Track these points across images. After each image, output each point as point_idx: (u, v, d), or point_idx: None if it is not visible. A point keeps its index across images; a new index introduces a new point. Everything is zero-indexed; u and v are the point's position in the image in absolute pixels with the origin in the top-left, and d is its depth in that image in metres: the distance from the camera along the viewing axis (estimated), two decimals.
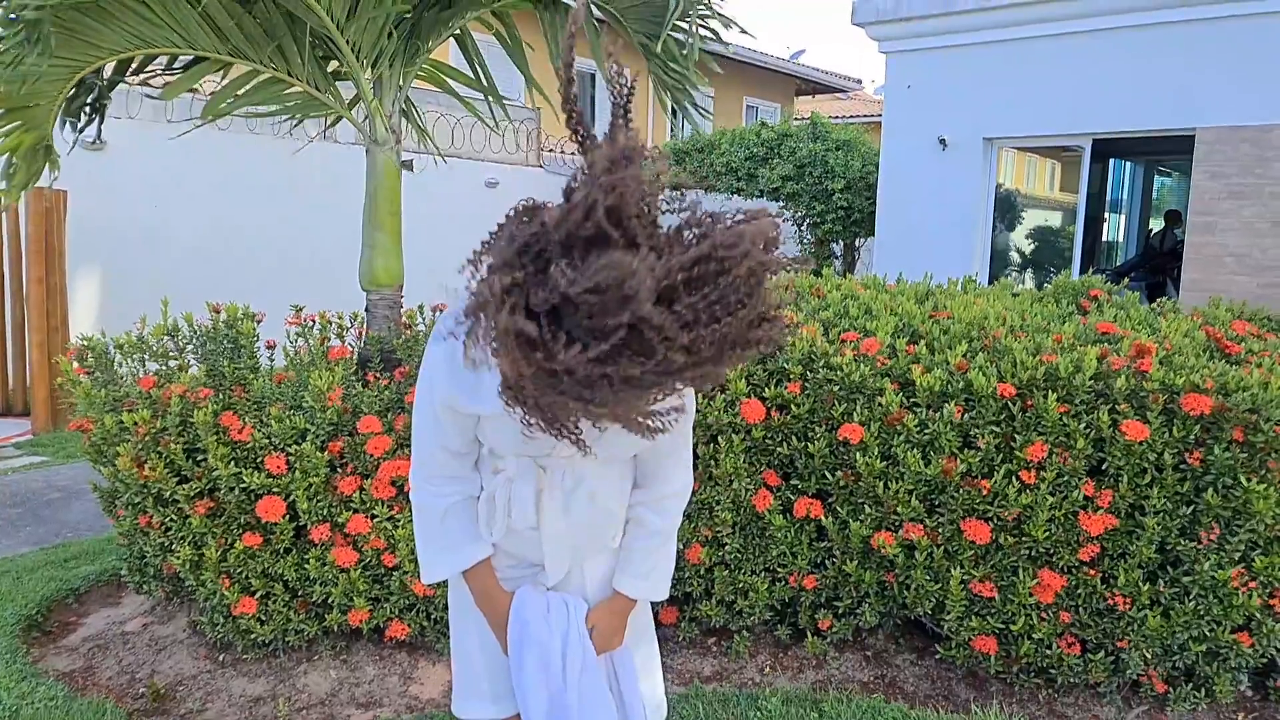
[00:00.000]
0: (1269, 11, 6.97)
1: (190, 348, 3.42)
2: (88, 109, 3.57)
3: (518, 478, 1.61)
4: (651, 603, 1.87)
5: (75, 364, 3.38)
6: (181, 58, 3.49)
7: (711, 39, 3.57)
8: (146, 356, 3.40)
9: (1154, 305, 4.05)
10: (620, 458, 1.67)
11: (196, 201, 8.21)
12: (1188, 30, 7.34)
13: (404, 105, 3.80)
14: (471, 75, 4.04)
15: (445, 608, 3.06)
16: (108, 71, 3.41)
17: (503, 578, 1.71)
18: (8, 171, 3.36)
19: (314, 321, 3.58)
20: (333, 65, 3.79)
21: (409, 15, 3.53)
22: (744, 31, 3.64)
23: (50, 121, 3.34)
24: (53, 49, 2.61)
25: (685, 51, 3.59)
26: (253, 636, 3.09)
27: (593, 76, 15.33)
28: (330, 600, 3.03)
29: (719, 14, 3.52)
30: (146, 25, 3.06)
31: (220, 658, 3.19)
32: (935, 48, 8.71)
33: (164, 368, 3.39)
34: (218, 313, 3.45)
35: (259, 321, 3.52)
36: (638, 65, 3.66)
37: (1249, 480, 2.62)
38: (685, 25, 3.50)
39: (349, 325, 3.69)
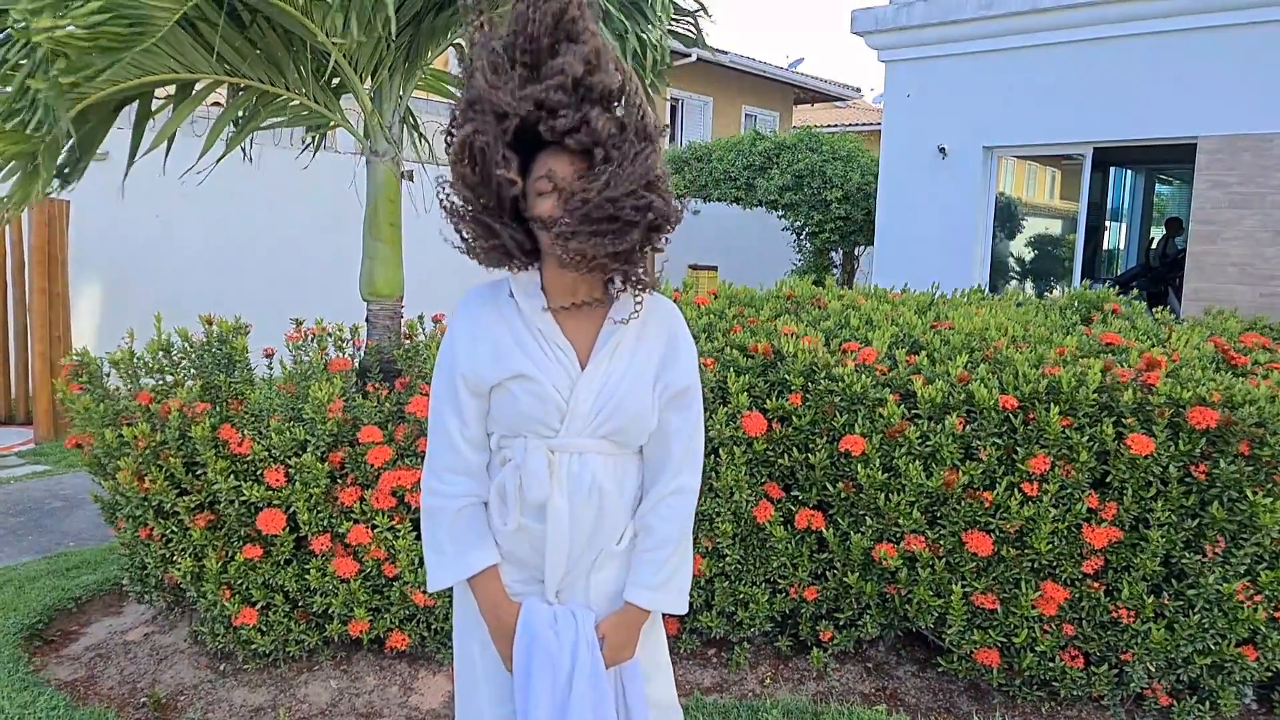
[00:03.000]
0: (1270, 20, 6.98)
1: (186, 363, 3.42)
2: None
3: (529, 457, 1.62)
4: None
5: (70, 380, 3.38)
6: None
7: (689, 40, 3.62)
8: (141, 372, 3.40)
9: (1156, 316, 4.05)
10: (629, 444, 1.67)
11: (198, 211, 8.22)
12: (1189, 39, 7.35)
13: (404, 115, 3.81)
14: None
15: (445, 617, 3.06)
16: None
17: (509, 593, 1.71)
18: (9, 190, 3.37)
19: (313, 335, 3.58)
20: (335, 81, 3.80)
21: (407, 27, 3.54)
22: (705, 46, 3.68)
23: (44, 150, 3.35)
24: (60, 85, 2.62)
25: (659, 65, 3.64)
26: (253, 647, 3.08)
27: None
28: (331, 611, 3.02)
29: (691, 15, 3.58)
30: (145, 54, 3.06)
31: (221, 667, 3.18)
32: (935, 56, 8.72)
33: (160, 383, 3.39)
34: (210, 324, 3.45)
35: (247, 332, 3.51)
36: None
37: (1255, 494, 2.61)
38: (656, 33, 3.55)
39: (348, 337, 3.69)
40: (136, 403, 3.17)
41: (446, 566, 1.70)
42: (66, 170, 3.54)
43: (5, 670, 3.12)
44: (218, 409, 3.11)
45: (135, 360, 3.41)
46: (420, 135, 4.31)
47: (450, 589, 1.75)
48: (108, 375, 3.43)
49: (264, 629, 3.06)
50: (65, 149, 3.50)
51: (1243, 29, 7.10)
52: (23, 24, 2.41)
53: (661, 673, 1.85)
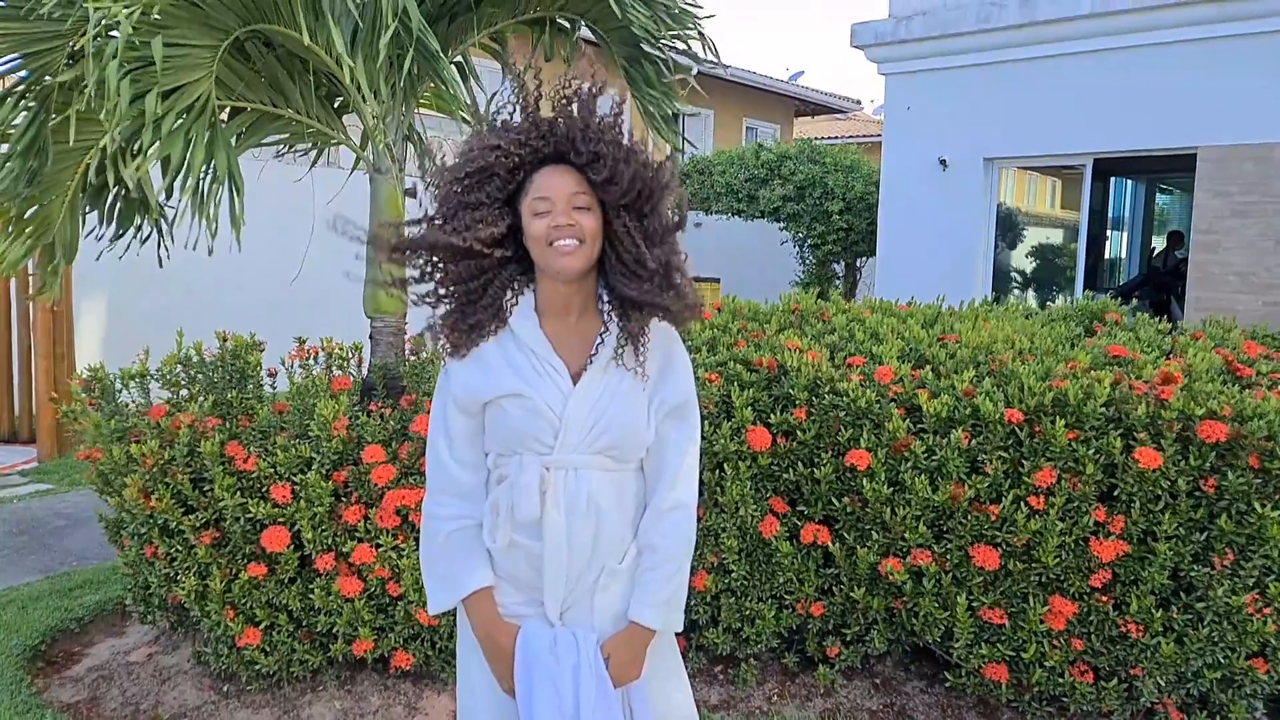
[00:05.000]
0: (1268, 30, 7.00)
1: (201, 378, 3.42)
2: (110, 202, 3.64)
3: (523, 473, 1.62)
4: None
5: (83, 395, 3.38)
6: None
7: (687, 58, 3.63)
8: (157, 385, 3.40)
9: (1157, 327, 4.04)
10: (626, 459, 1.67)
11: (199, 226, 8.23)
12: (1188, 49, 7.37)
13: (407, 132, 3.82)
14: (471, 101, 4.08)
15: (449, 636, 3.04)
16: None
17: (508, 615, 1.70)
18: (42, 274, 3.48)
19: (317, 354, 3.58)
20: (337, 101, 3.82)
21: (410, 45, 3.56)
22: (716, 56, 3.69)
23: (59, 215, 3.40)
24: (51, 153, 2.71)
25: (665, 79, 3.66)
26: (257, 667, 3.07)
27: None
28: (335, 630, 3.01)
29: (697, 29, 3.58)
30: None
31: (224, 689, 3.17)
32: (934, 69, 8.74)
33: (175, 397, 3.38)
34: (225, 341, 3.45)
35: (262, 349, 3.52)
36: (622, 86, 3.73)
37: (1263, 506, 2.60)
38: (657, 52, 3.56)
39: (350, 355, 3.68)
40: (146, 419, 3.17)
41: (440, 590, 1.71)
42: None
43: (8, 692, 3.11)
44: (227, 425, 3.10)
45: (152, 374, 3.41)
46: (426, 152, 4.32)
47: (454, 609, 1.75)
48: (120, 391, 3.43)
49: (268, 649, 3.05)
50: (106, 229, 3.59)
51: (1241, 39, 7.12)
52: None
53: (679, 690, 1.84)
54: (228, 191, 3.06)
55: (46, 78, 3.04)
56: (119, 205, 3.66)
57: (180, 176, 2.84)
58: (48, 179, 3.18)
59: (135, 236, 3.78)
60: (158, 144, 2.76)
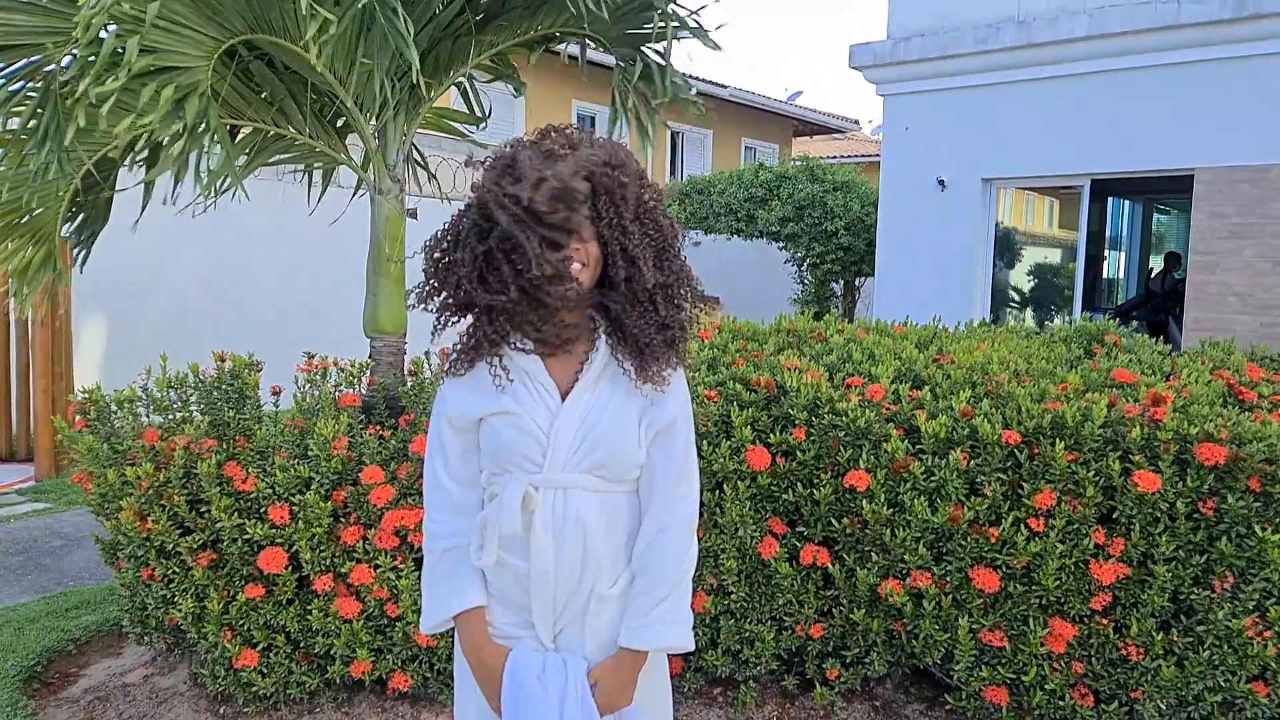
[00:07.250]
0: (1265, 53, 7.06)
1: (195, 398, 3.42)
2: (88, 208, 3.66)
3: (507, 490, 1.63)
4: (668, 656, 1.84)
5: (78, 417, 3.37)
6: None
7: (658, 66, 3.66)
8: (150, 409, 3.39)
9: (1157, 349, 4.04)
10: (616, 479, 1.66)
11: (200, 243, 8.25)
12: (1184, 72, 7.43)
13: (409, 153, 3.84)
14: (474, 118, 4.12)
15: (448, 658, 3.03)
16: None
17: (501, 636, 1.69)
18: (19, 288, 3.48)
19: (324, 369, 3.57)
20: (339, 121, 3.84)
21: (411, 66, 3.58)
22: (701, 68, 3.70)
23: (55, 227, 3.41)
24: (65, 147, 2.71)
25: (658, 100, 3.68)
26: (254, 689, 3.05)
27: (593, 119, 15.53)
28: (332, 651, 2.99)
29: (692, 26, 3.57)
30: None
31: (221, 710, 3.15)
32: (932, 90, 8.80)
33: (168, 420, 3.37)
34: (223, 362, 3.45)
35: (260, 369, 3.51)
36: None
37: (1263, 530, 2.60)
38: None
39: (358, 374, 3.68)
40: (140, 442, 3.16)
41: (432, 608, 1.71)
42: (78, 250, 3.65)
43: (4, 714, 3.09)
44: (224, 446, 3.10)
45: (146, 395, 3.40)
46: (431, 175, 4.34)
47: (451, 628, 1.75)
48: (115, 413, 3.42)
49: (265, 671, 3.03)
50: (76, 223, 3.60)
51: (1238, 62, 7.18)
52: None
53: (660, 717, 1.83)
54: (210, 167, 3.04)
55: (30, 85, 3.06)
56: (97, 202, 3.66)
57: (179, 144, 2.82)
58: (46, 186, 3.18)
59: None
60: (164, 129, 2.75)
